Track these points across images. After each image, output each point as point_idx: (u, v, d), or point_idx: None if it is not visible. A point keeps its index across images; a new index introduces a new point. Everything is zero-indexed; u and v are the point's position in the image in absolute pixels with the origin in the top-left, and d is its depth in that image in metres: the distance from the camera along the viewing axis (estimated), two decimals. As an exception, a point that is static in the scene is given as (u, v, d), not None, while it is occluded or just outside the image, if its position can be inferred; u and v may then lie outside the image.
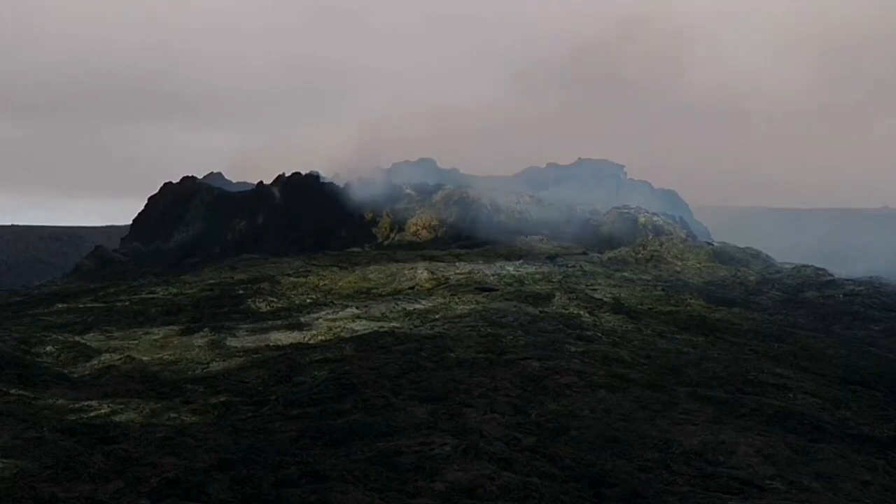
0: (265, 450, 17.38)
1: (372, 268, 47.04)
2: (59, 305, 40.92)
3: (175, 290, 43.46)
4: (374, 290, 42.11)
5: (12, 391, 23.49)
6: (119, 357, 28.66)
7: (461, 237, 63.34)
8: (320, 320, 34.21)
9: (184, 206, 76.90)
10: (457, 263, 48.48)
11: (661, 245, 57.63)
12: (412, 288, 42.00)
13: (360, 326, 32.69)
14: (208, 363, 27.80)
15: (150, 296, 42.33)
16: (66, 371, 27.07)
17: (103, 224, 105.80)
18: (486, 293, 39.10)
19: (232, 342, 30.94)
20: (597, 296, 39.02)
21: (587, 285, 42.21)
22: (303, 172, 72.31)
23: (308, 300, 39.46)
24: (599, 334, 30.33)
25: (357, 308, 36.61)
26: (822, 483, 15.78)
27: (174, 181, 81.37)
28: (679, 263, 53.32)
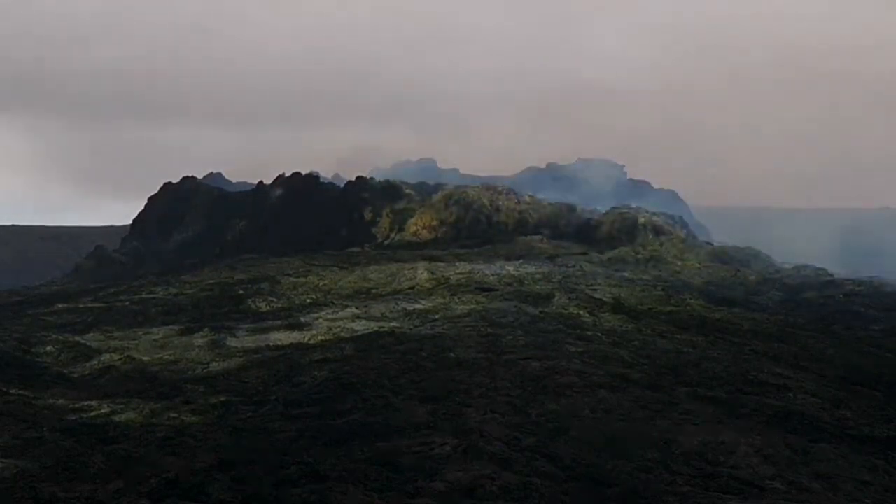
0: (265, 450, 17.38)
1: (372, 268, 47.01)
2: (59, 305, 40.91)
3: (175, 290, 43.45)
4: (374, 290, 42.09)
5: (12, 391, 23.49)
6: (119, 357, 28.66)
7: (461, 237, 63.29)
8: (320, 320, 34.19)
9: (184, 206, 76.85)
10: (457, 263, 48.46)
11: (661, 245, 57.63)
12: (412, 288, 41.97)
13: (360, 326, 32.66)
14: (208, 363, 27.79)
15: (150, 296, 42.31)
16: (66, 371, 27.07)
17: (103, 224, 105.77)
18: (486, 293, 39.06)
19: (232, 342, 30.93)
20: (597, 296, 38.99)
21: (587, 285, 42.19)
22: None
23: (308, 300, 39.44)
24: (599, 334, 30.31)
25: (357, 308, 36.59)
26: (822, 483, 15.78)
27: (174, 181, 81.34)
28: (679, 263, 53.29)
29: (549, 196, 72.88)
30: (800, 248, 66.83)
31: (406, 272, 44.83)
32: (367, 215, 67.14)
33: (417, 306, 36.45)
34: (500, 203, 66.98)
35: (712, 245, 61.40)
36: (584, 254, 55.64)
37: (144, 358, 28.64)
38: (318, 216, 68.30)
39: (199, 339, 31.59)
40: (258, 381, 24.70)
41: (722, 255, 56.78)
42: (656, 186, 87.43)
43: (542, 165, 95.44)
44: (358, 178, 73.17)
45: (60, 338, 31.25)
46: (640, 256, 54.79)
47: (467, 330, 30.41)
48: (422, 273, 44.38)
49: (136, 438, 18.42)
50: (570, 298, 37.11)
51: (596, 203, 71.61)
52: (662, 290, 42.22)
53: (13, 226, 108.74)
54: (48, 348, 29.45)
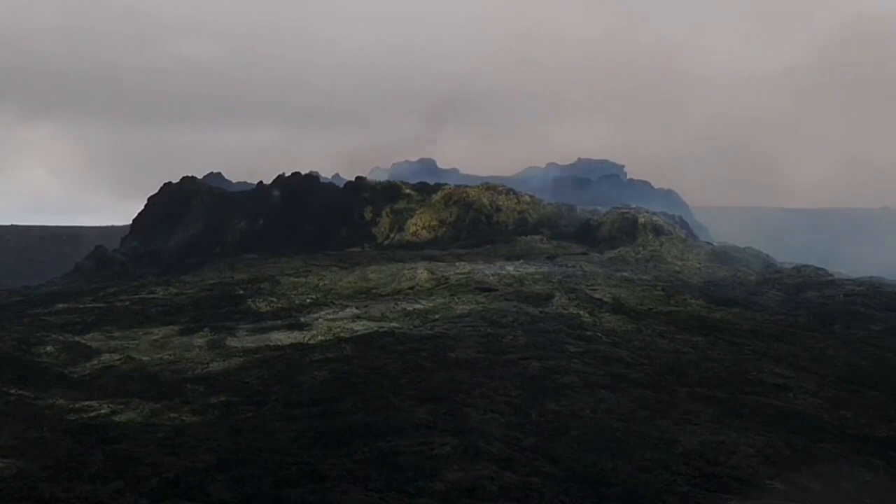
0: (265, 450, 17.41)
1: (372, 268, 47.01)
2: (59, 305, 40.90)
3: (175, 290, 43.45)
4: (374, 290, 42.10)
5: (12, 391, 23.53)
6: (119, 357, 28.69)
7: (461, 237, 63.25)
8: (320, 320, 34.24)
9: (184, 206, 76.77)
10: (457, 263, 48.44)
11: (661, 245, 57.57)
12: (412, 288, 41.99)
13: (360, 326, 32.71)
14: (208, 363, 27.84)
15: (150, 296, 42.32)
16: (66, 371, 27.10)
17: (103, 224, 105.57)
18: (486, 293, 39.08)
19: (232, 342, 30.97)
20: (597, 296, 39.00)
21: (587, 285, 42.18)
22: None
23: (308, 300, 39.46)
24: (599, 334, 30.35)
25: (357, 308, 36.62)
26: (822, 483, 15.81)
27: (174, 181, 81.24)
28: (679, 263, 53.27)
29: (550, 196, 72.82)
30: (799, 248, 66.89)
31: (406, 272, 44.83)
32: (367, 215, 67.10)
33: (417, 306, 36.47)
34: (500, 203, 66.93)
35: (712, 245, 61.34)
36: (584, 254, 55.60)
37: (144, 358, 28.67)
38: (318, 216, 68.26)
39: (199, 339, 31.63)
40: (258, 381, 24.74)
41: (722, 255, 56.74)
42: (656, 186, 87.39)
43: (542, 165, 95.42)
44: (358, 178, 73.17)
45: (60, 338, 31.26)
46: (640, 256, 54.77)
47: (467, 330, 30.45)
48: (422, 273, 44.39)
49: (136, 438, 18.44)
50: (570, 298, 37.12)
51: (596, 203, 71.53)
52: (662, 290, 42.22)
53: (13, 226, 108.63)
54: (48, 348, 29.46)
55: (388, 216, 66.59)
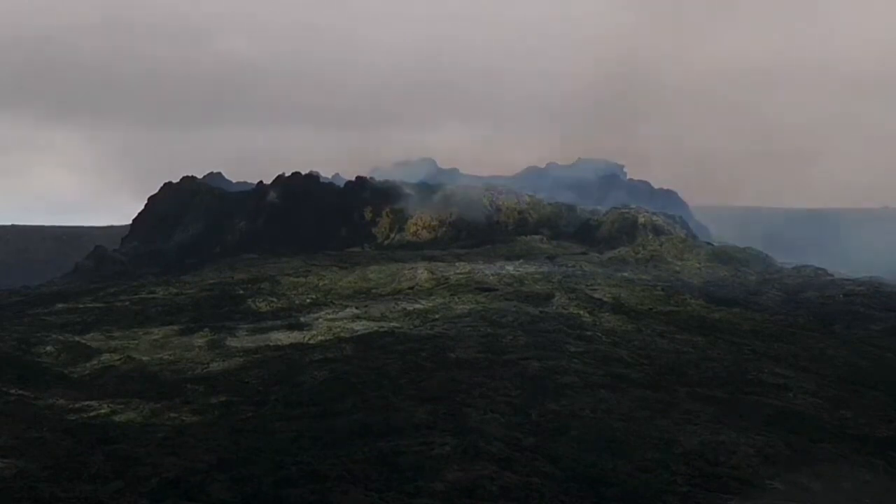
0: (265, 450, 17.42)
1: (372, 268, 47.01)
2: (59, 305, 40.90)
3: (175, 290, 43.45)
4: (374, 290, 42.11)
5: (12, 391, 23.55)
6: (119, 357, 28.70)
7: (461, 237, 63.25)
8: (320, 320, 34.25)
9: (184, 206, 76.77)
10: (457, 263, 48.44)
11: (661, 245, 57.53)
12: (412, 288, 41.98)
13: (360, 326, 32.72)
14: (208, 363, 27.85)
15: (150, 296, 42.32)
16: (66, 371, 27.11)
17: (103, 224, 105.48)
18: (486, 293, 39.08)
19: (232, 342, 30.98)
20: (597, 296, 39.00)
21: (587, 285, 42.18)
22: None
23: (308, 300, 39.47)
24: (599, 334, 30.35)
25: (357, 308, 36.63)
26: (822, 483, 15.83)
27: (174, 181, 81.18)
28: (679, 263, 53.26)
29: (549, 196, 72.78)
30: (800, 248, 66.87)
31: (406, 272, 44.83)
32: (367, 215, 67.07)
33: (417, 306, 36.48)
34: (500, 203, 66.93)
35: (712, 245, 61.34)
36: (584, 254, 55.61)
37: (144, 358, 28.68)
38: (318, 216, 68.24)
39: (199, 339, 31.64)
40: (258, 381, 24.76)
41: (722, 255, 56.73)
42: (656, 186, 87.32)
43: (542, 165, 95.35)
44: (358, 178, 73.15)
45: (60, 338, 31.27)
46: (640, 256, 54.76)
47: (467, 330, 30.46)
48: (422, 273, 44.39)
49: (136, 438, 18.46)
50: (570, 298, 37.12)
51: (596, 203, 71.52)
52: (662, 290, 42.21)
53: (13, 226, 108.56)
54: (48, 348, 29.47)
55: (388, 216, 66.57)
